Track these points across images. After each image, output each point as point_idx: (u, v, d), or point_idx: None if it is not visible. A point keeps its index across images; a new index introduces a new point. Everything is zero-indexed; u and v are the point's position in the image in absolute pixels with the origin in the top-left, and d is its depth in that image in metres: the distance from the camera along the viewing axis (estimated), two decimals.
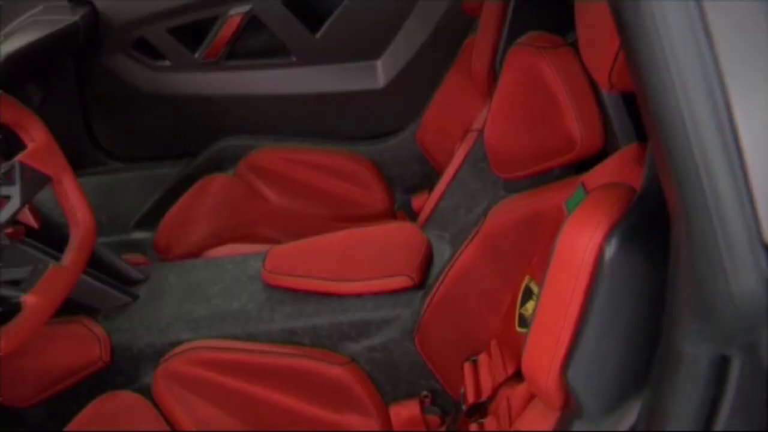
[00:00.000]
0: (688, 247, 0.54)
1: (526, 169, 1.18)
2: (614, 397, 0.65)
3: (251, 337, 1.29)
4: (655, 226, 0.63)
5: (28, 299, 0.95)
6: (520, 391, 0.96)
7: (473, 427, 1.01)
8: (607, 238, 0.62)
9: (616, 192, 0.68)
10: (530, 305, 1.01)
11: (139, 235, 1.98)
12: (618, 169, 0.87)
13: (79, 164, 1.24)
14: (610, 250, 0.62)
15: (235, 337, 1.29)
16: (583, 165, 1.05)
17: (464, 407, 1.08)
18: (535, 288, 1.01)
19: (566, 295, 0.63)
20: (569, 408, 0.68)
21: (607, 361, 0.64)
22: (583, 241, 0.63)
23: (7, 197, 1.01)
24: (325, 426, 1.24)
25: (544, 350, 0.66)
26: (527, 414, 0.76)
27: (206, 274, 1.43)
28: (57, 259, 1.09)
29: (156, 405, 1.23)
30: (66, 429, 1.20)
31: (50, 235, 1.21)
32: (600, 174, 0.90)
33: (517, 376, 1.01)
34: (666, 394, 0.58)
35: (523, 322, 1.02)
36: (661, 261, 0.61)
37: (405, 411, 1.26)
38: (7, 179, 1.02)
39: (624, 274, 0.62)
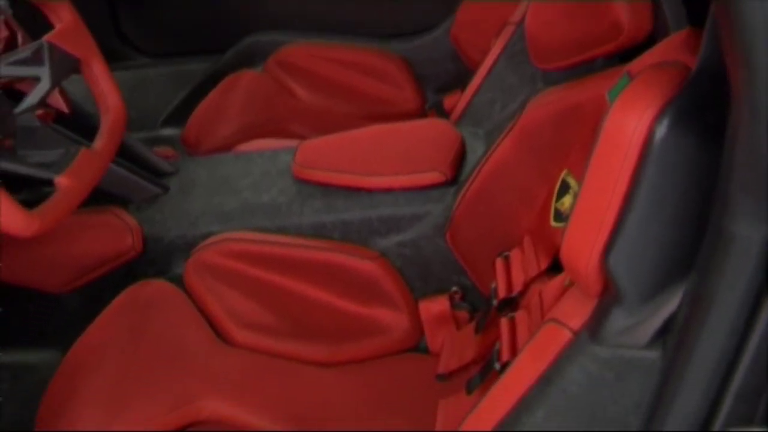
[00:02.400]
0: (750, 126, 0.51)
1: (568, 58, 1.13)
2: (656, 283, 0.64)
3: (281, 231, 1.29)
4: (708, 107, 0.60)
5: (61, 181, 0.95)
6: (552, 285, 0.95)
7: (504, 321, 1.01)
8: (657, 118, 0.60)
9: (668, 71, 0.64)
10: (567, 199, 0.99)
11: (167, 131, 1.97)
12: (667, 55, 0.82)
13: (106, 59, 1.22)
14: (660, 131, 0.59)
15: (265, 230, 1.29)
16: (627, 55, 1.01)
17: (495, 302, 1.08)
18: (572, 182, 0.98)
19: (612, 178, 0.61)
20: (608, 295, 0.66)
21: (650, 245, 0.62)
22: (632, 121, 0.61)
23: (37, 78, 1.00)
24: (355, 319, 1.25)
25: (586, 234, 0.64)
26: (563, 302, 0.75)
27: (236, 168, 1.42)
28: (88, 145, 1.08)
29: (188, 294, 1.25)
30: (101, 314, 1.22)
31: (80, 124, 1.20)
32: (647, 62, 0.86)
33: (550, 271, 1.01)
34: (713, 278, 0.57)
35: (559, 216, 1.00)
36: (712, 143, 0.58)
37: (435, 306, 1.26)
38: (36, 60, 1.00)
39: (674, 156, 0.60)
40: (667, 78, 0.63)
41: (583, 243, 0.64)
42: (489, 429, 0.75)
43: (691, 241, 0.61)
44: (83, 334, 1.19)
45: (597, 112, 0.93)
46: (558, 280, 0.94)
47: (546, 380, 0.71)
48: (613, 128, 0.62)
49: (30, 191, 1.15)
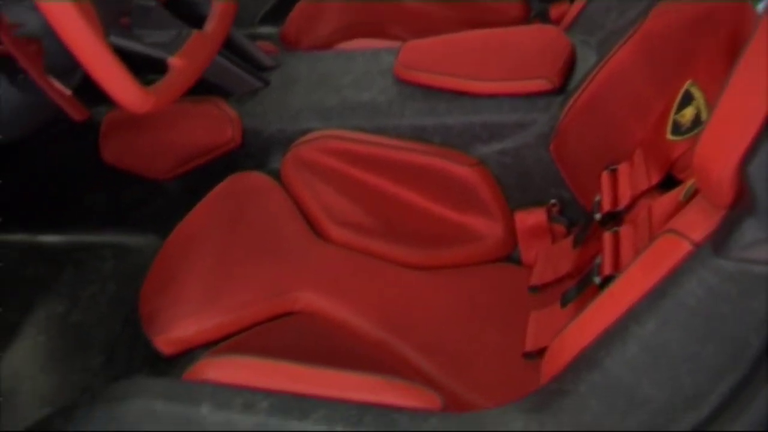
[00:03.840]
0: None
1: None
2: None
3: (380, 131, 1.27)
4: None
5: (174, 61, 0.95)
6: (663, 200, 0.91)
7: (607, 235, 0.98)
8: None
9: None
10: (688, 111, 0.94)
11: (265, 29, 1.96)
12: None
13: None
14: None
15: (364, 130, 1.27)
16: None
17: (598, 216, 1.05)
18: (697, 93, 0.93)
19: (764, 77, 0.56)
20: (740, 206, 0.63)
21: None
22: None
23: None
24: (448, 225, 1.24)
25: (725, 139, 0.60)
26: (685, 214, 0.72)
27: (337, 65, 1.40)
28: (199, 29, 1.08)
29: (284, 188, 1.26)
30: (200, 202, 1.24)
31: (190, 11, 1.20)
32: None
33: (661, 186, 0.97)
34: None
35: (677, 129, 0.95)
36: None
37: (531, 218, 1.23)
38: None
39: None
40: None
41: (721, 148, 0.60)
42: (592, 338, 0.74)
43: None
44: (184, 220, 1.22)
45: (734, 19, 0.86)
46: (671, 196, 0.90)
47: (659, 292, 0.68)
48: None
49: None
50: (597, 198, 1.06)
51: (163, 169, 1.36)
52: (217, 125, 1.31)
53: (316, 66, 1.41)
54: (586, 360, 0.71)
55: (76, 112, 0.97)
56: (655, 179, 0.96)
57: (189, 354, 1.03)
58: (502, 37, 1.36)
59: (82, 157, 1.40)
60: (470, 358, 1.04)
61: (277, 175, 1.28)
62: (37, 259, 1.44)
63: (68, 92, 0.97)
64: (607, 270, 0.93)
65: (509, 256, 1.24)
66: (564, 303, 1.03)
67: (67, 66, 1.00)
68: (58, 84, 0.95)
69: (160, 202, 1.42)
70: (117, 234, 1.45)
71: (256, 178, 1.26)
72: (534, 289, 1.14)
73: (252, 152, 1.33)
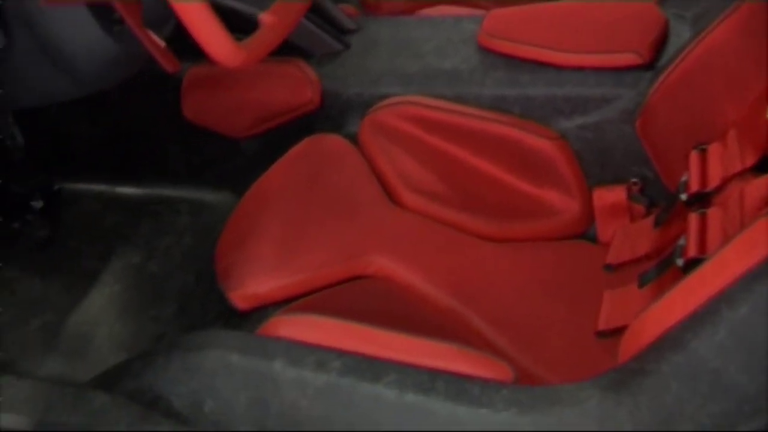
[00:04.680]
0: None
1: None
2: None
3: (460, 99, 1.26)
4: None
5: (265, 18, 0.96)
6: (758, 184, 0.88)
7: (693, 216, 0.95)
8: None
9: None
10: None
11: None
12: None
13: None
14: None
15: (444, 97, 1.26)
16: None
17: (684, 196, 1.01)
18: None
19: None
20: None
21: None
22: None
23: None
24: (524, 198, 1.22)
25: None
26: None
27: (419, 31, 1.39)
28: None
29: (361, 152, 1.26)
30: (278, 162, 1.25)
31: None
32: None
33: (755, 170, 0.93)
34: None
35: None
36: None
37: (610, 196, 1.20)
38: None
39: None
40: None
41: None
42: (677, 319, 0.72)
43: None
44: (261, 177, 1.24)
45: None
46: (766, 179, 0.86)
47: (755, 276, 0.66)
48: None
49: None
50: (684, 178, 1.03)
51: (241, 128, 1.38)
52: (297, 86, 1.31)
53: (398, 31, 1.40)
54: (670, 341, 0.69)
55: (170, 64, 0.99)
56: (750, 161, 0.92)
57: (262, 310, 1.05)
58: (592, 8, 1.32)
59: (163, 112, 1.43)
60: (540, 333, 1.03)
61: (353, 139, 1.28)
62: (116, 210, 1.48)
63: (163, 44, 0.99)
64: (692, 252, 0.90)
65: (584, 233, 1.22)
66: (642, 284, 1.00)
67: (160, 18, 1.01)
68: (154, 35, 0.97)
69: (236, 160, 1.43)
70: (193, 189, 1.47)
71: (333, 140, 1.26)
72: (609, 267, 1.11)
73: (330, 115, 1.33)
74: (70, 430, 0.84)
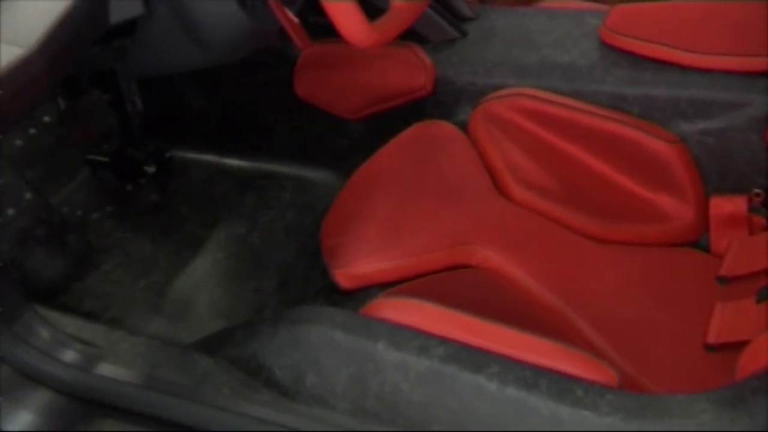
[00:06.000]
0: None
1: None
2: None
3: (577, 95, 1.23)
4: None
5: (396, 1, 0.96)
6: None
7: None
8: None
9: None
10: None
11: None
12: None
13: None
14: None
15: (560, 92, 1.23)
16: None
17: None
18: None
19: None
20: None
21: None
22: None
23: None
24: (636, 200, 1.19)
25: None
26: None
27: (538, 23, 1.36)
28: None
29: (471, 141, 1.25)
30: (387, 144, 1.26)
31: None
32: None
33: None
34: None
35: None
36: None
37: (728, 205, 1.15)
38: None
39: None
40: None
41: None
42: None
43: None
44: (370, 159, 1.24)
45: None
46: None
47: None
48: None
49: None
50: None
51: (351, 109, 1.39)
52: (411, 71, 1.31)
53: (517, 22, 1.37)
54: None
55: (302, 41, 1.00)
56: None
57: (364, 291, 1.05)
58: (722, 8, 1.26)
59: (276, 89, 1.45)
60: (644, 339, 1.00)
61: (462, 127, 1.27)
62: (223, 181, 1.52)
63: (296, 20, 1.00)
64: None
65: (695, 242, 1.18)
66: (760, 299, 0.96)
67: None
68: (288, 12, 0.98)
69: (343, 140, 1.45)
70: (299, 166, 1.50)
71: (443, 127, 1.26)
72: (723, 280, 1.07)
73: (441, 101, 1.32)
74: (176, 389, 0.87)
